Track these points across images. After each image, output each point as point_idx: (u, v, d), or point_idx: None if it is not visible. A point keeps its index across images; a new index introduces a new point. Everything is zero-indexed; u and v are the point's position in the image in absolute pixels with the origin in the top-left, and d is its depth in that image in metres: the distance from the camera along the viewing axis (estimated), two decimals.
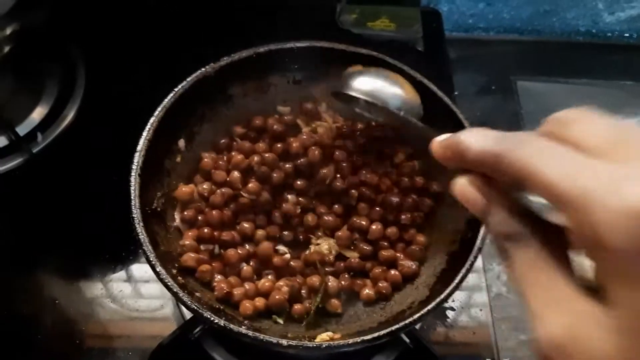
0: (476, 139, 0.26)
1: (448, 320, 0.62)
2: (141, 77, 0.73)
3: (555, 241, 0.24)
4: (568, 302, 0.23)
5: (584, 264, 0.24)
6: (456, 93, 0.81)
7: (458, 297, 0.63)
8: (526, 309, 0.24)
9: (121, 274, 0.64)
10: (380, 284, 0.53)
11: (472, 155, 0.26)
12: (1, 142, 0.70)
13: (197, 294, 0.48)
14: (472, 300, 0.63)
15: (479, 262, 0.65)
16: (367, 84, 0.50)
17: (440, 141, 0.29)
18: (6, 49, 0.69)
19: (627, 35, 0.93)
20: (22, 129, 0.70)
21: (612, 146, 0.22)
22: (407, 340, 0.55)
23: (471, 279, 0.64)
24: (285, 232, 0.56)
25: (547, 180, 0.22)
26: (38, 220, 0.67)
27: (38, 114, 0.73)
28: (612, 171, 0.21)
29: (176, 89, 0.55)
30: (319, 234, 0.56)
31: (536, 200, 0.25)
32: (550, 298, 0.23)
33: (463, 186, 0.27)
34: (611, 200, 0.20)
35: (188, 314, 0.58)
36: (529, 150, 0.24)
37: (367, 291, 0.53)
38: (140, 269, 0.64)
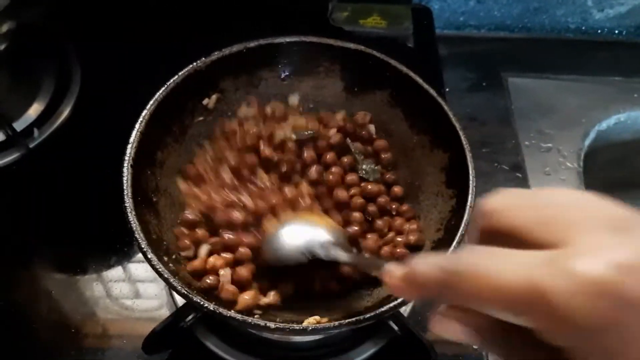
0: (424, 268, 0.25)
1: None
2: (136, 73, 0.74)
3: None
4: None
5: None
6: (447, 89, 0.82)
7: None
8: None
9: (118, 268, 0.65)
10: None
11: (430, 284, 0.25)
12: None
13: (189, 282, 0.49)
14: None
15: None
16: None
17: (394, 276, 0.26)
18: (2, 46, 0.70)
19: (616, 32, 0.94)
20: (18, 125, 0.71)
21: (543, 227, 0.23)
22: (396, 327, 0.56)
23: None
24: None
25: (497, 289, 0.22)
26: (35, 214, 0.68)
27: (34, 110, 0.74)
28: (552, 257, 0.22)
29: (168, 83, 0.56)
30: None
31: None
32: None
33: (449, 328, 0.26)
34: (560, 281, 0.21)
35: (180, 304, 0.59)
36: (471, 266, 0.23)
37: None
38: (137, 265, 0.65)
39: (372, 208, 0.58)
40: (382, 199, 0.58)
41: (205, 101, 0.61)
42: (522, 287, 0.21)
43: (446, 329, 0.26)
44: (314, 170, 0.58)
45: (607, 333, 0.20)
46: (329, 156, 0.59)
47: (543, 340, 0.22)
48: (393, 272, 0.26)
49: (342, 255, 0.47)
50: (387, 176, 0.60)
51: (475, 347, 0.24)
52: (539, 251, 0.22)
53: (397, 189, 0.59)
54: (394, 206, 0.58)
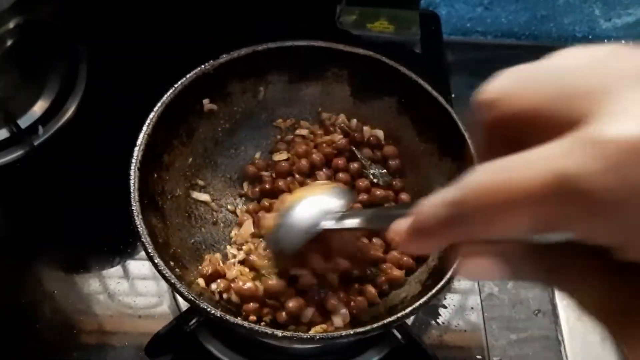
0: (429, 211, 0.21)
1: (440, 318, 0.63)
2: (142, 73, 0.74)
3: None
4: None
5: None
6: (453, 95, 0.82)
7: (451, 297, 0.64)
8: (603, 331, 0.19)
9: (119, 267, 0.65)
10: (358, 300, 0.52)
11: (436, 225, 0.20)
12: (3, 134, 0.70)
13: (194, 287, 0.49)
14: (464, 300, 0.64)
15: None
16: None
17: (399, 232, 0.22)
18: (9, 42, 0.70)
19: (623, 42, 0.94)
20: (23, 122, 0.71)
21: (563, 101, 0.18)
22: (399, 336, 0.55)
23: (464, 280, 0.65)
24: None
25: (515, 196, 0.18)
26: (38, 212, 0.68)
27: (40, 107, 0.73)
28: (576, 135, 0.17)
29: (176, 85, 0.56)
30: None
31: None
32: None
33: (476, 269, 0.21)
34: (587, 159, 0.16)
35: (184, 307, 0.59)
36: (479, 184, 0.19)
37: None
38: (139, 264, 0.65)
39: None
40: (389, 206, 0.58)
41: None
42: (544, 183, 0.17)
43: (473, 270, 0.21)
44: (323, 174, 0.57)
45: None
46: (340, 161, 0.59)
47: (587, 246, 0.18)
48: (399, 227, 0.22)
49: (351, 223, 0.44)
50: (395, 183, 0.60)
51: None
52: (561, 137, 0.17)
53: (404, 197, 0.59)
54: None
